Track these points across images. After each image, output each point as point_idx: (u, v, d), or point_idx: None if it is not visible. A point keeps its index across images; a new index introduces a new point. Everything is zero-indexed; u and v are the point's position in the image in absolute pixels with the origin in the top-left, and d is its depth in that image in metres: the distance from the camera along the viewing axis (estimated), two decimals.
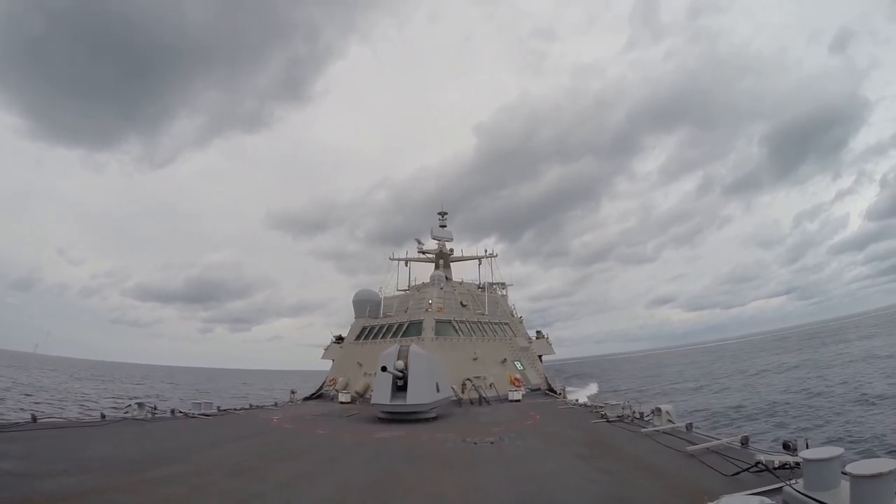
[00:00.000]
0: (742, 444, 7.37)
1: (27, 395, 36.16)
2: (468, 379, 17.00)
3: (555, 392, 20.56)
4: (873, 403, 22.50)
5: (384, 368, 11.93)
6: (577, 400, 17.73)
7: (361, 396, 17.10)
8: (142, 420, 11.39)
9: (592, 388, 45.87)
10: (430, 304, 20.51)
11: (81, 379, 63.43)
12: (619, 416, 11.17)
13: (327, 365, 22.15)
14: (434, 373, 13.03)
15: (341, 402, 17.02)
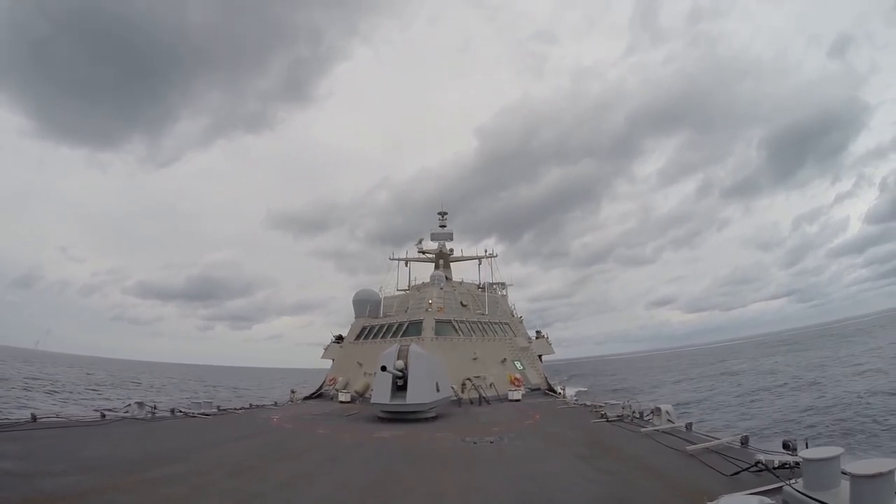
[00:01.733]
0: (742, 443, 7.38)
1: (136, 383, 42.71)
2: (468, 379, 17.00)
3: (555, 392, 20.59)
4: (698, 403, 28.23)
5: (384, 368, 11.93)
6: (575, 399, 17.74)
7: (361, 396, 17.10)
8: (142, 420, 11.38)
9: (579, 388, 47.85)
10: (430, 304, 20.50)
11: (126, 378, 65.13)
12: (618, 416, 11.18)
13: (329, 363, 22.23)
14: (434, 373, 13.03)
15: (341, 402, 17.02)
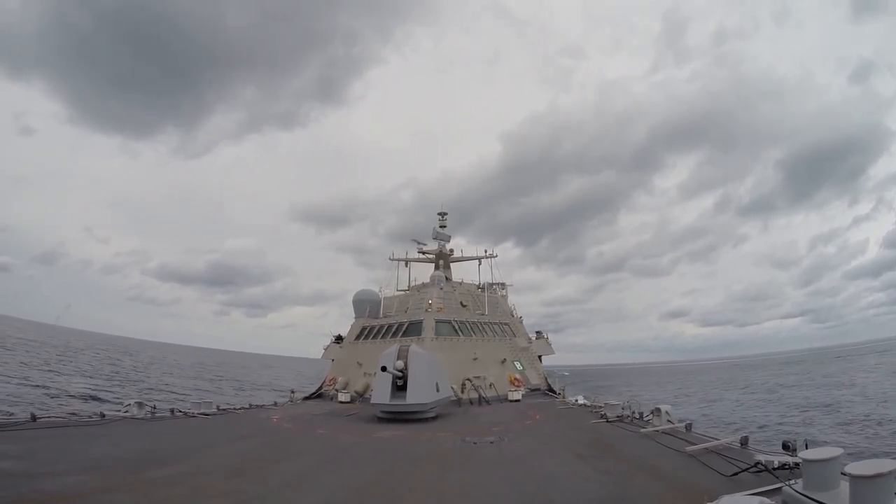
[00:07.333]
0: (741, 444, 7.37)
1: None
2: (468, 379, 17.00)
3: (554, 392, 20.58)
4: None
5: (384, 368, 11.93)
6: (576, 400, 17.75)
7: (361, 396, 17.10)
8: (141, 419, 11.38)
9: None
10: (430, 304, 20.51)
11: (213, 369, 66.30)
12: (618, 416, 11.17)
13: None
14: (434, 373, 13.03)
15: (341, 402, 17.02)
